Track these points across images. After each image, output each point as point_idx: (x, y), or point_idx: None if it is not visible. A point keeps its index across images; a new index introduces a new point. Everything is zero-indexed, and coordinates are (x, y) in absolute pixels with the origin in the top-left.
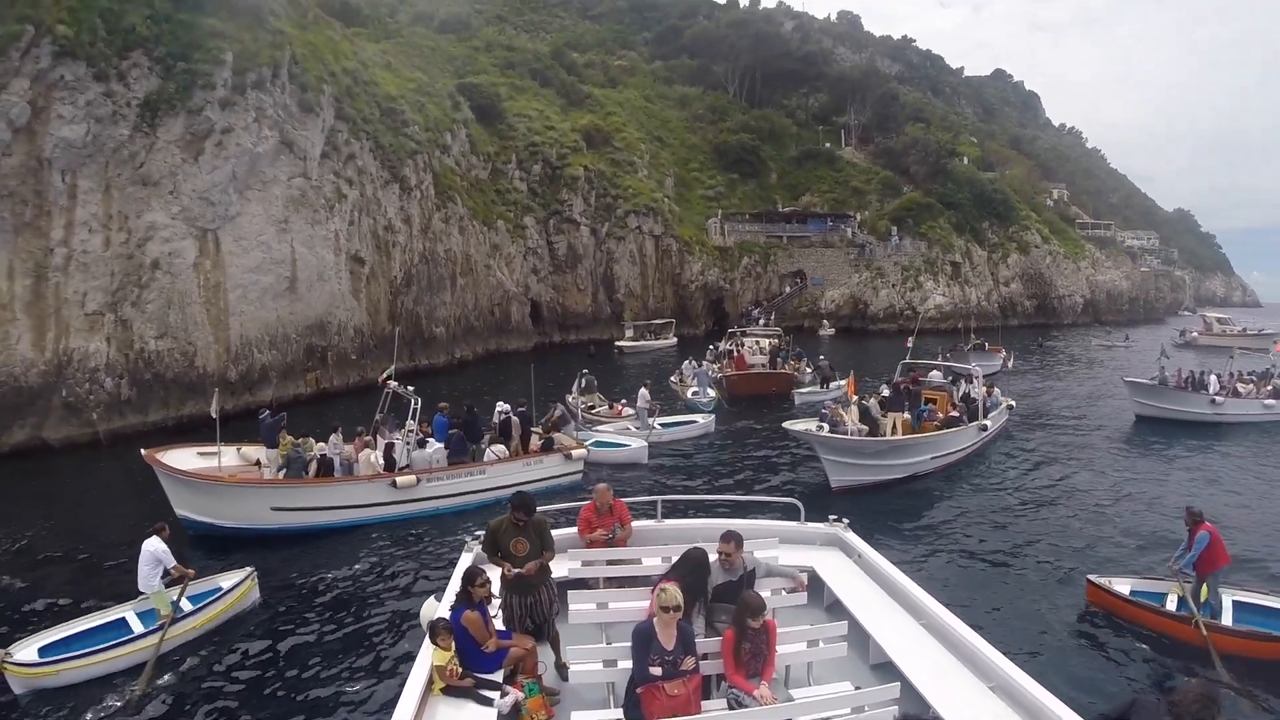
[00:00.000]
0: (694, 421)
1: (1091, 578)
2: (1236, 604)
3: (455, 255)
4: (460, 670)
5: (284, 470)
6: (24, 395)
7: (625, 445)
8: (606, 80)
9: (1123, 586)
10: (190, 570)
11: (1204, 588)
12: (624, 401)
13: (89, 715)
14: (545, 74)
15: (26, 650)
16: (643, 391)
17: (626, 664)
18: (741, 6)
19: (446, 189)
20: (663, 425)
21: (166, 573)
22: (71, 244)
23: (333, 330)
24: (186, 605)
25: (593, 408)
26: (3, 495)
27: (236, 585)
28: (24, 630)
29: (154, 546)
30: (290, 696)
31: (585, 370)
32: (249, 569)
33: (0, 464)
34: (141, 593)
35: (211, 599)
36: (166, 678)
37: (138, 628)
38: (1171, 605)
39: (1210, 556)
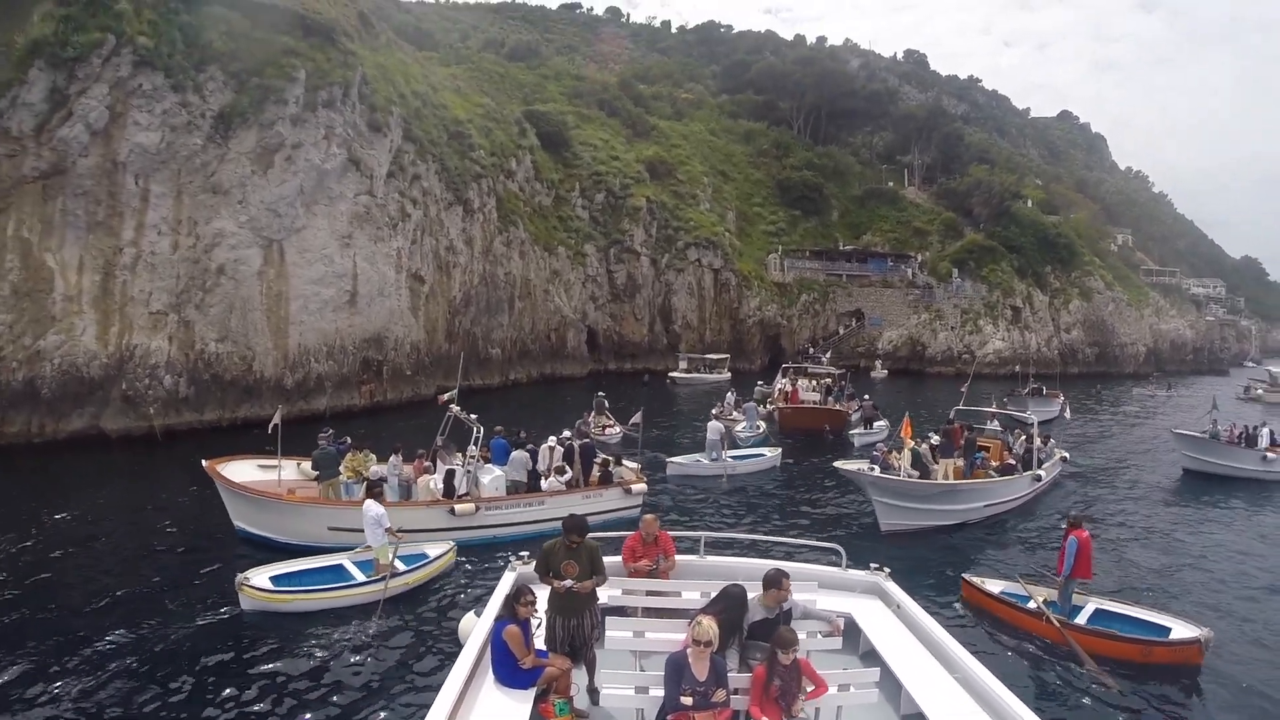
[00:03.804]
0: (762, 455)
1: (965, 576)
2: (1098, 610)
3: (515, 279)
4: None
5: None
6: (85, 385)
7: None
8: (672, 112)
9: (994, 587)
10: (400, 535)
11: (1058, 591)
12: (614, 422)
13: (309, 640)
14: (612, 104)
15: (260, 577)
16: (714, 424)
17: (658, 692)
18: (808, 44)
19: (509, 213)
20: (734, 458)
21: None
22: (141, 245)
23: (390, 345)
24: (399, 564)
25: (605, 428)
26: (62, 478)
27: (441, 554)
28: (68, 598)
29: (374, 510)
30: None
31: (601, 393)
32: (451, 543)
33: (59, 449)
34: (367, 545)
35: (421, 563)
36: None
37: (356, 575)
38: (1033, 605)
39: (1078, 563)
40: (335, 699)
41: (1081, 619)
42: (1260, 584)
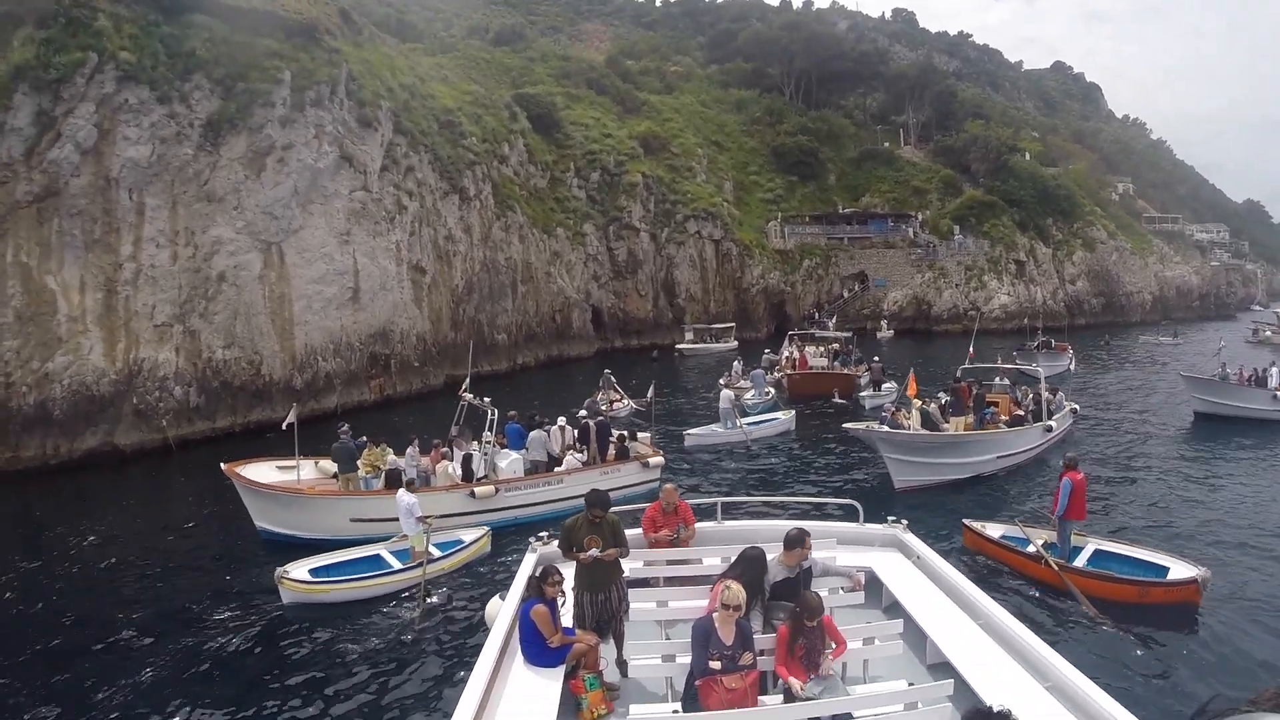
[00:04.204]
0: (777, 419)
1: (966, 521)
2: (1097, 551)
3: (516, 263)
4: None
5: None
6: (96, 403)
7: None
8: (662, 86)
9: (994, 531)
10: (430, 520)
11: (1056, 534)
12: (621, 396)
13: (349, 628)
14: (601, 82)
15: (299, 570)
16: (726, 393)
17: (685, 659)
18: (795, 8)
19: (506, 198)
20: (750, 424)
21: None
22: (140, 259)
23: (395, 338)
24: (434, 551)
25: (613, 403)
26: (81, 498)
27: (476, 540)
28: (113, 621)
29: (406, 499)
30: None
31: (608, 370)
32: (486, 528)
33: (75, 469)
34: (404, 534)
35: (456, 548)
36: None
37: (393, 564)
38: (1032, 549)
39: (1072, 504)
40: (376, 683)
41: (1081, 560)
42: (1267, 525)
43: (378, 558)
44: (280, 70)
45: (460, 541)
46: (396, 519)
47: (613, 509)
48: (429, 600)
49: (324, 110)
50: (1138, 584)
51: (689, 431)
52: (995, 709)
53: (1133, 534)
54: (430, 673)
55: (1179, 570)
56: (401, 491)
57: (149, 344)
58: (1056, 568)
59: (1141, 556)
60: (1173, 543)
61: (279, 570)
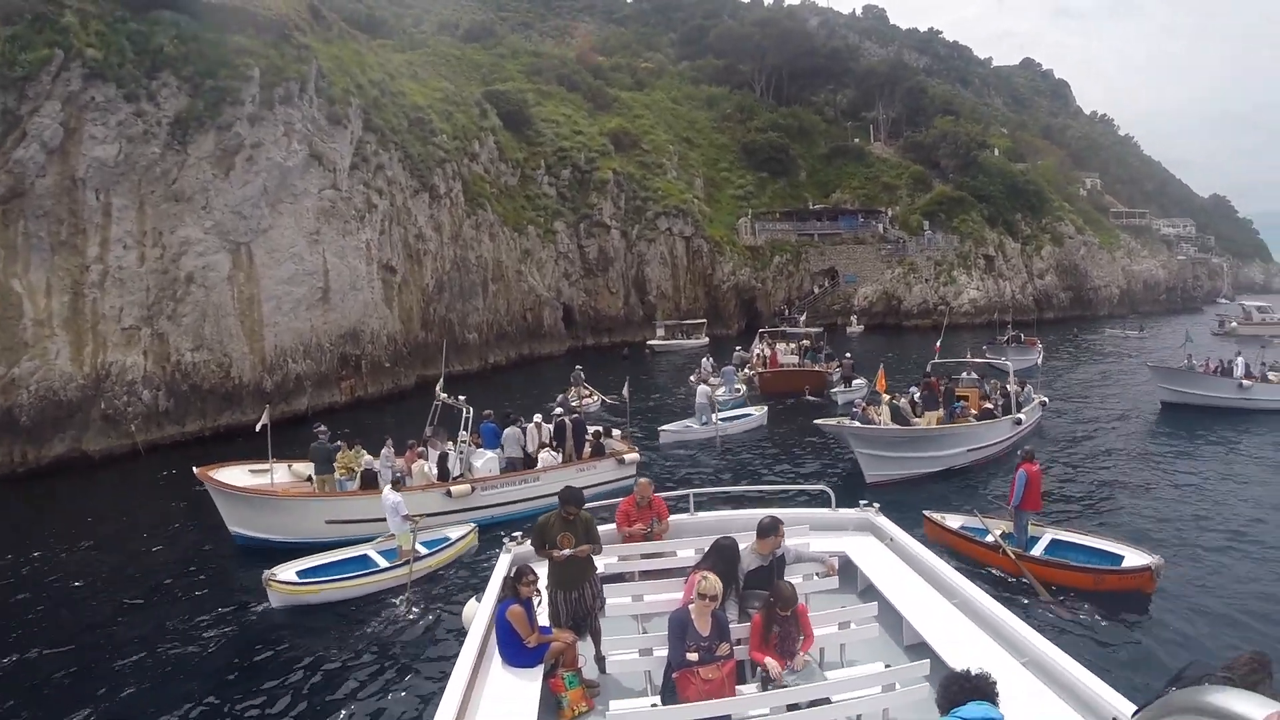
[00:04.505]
0: (750, 415)
1: (926, 512)
2: (1054, 541)
3: (486, 262)
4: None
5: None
6: (63, 409)
7: None
8: (633, 83)
9: (953, 522)
10: (418, 518)
11: (1013, 524)
12: (591, 393)
13: (338, 629)
14: (571, 79)
15: (286, 572)
16: (702, 388)
17: (662, 653)
18: (766, 5)
19: (476, 196)
20: (723, 420)
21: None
22: (107, 260)
23: (366, 339)
24: (421, 549)
25: (583, 399)
26: (50, 507)
27: (463, 536)
28: (88, 632)
29: (392, 498)
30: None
31: (579, 366)
32: (472, 524)
33: (43, 476)
34: (391, 534)
35: (443, 545)
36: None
37: (381, 563)
38: (990, 539)
39: (1027, 495)
40: (361, 684)
41: (1038, 550)
42: (1229, 513)
43: (365, 557)
44: (249, 67)
45: (446, 539)
46: (373, 520)
47: (591, 506)
48: (413, 604)
49: (293, 108)
50: (1092, 572)
51: (664, 428)
52: (973, 671)
53: (1096, 521)
54: (417, 672)
55: (1133, 558)
56: (387, 490)
57: (117, 347)
58: (1014, 556)
59: (1097, 545)
60: (1135, 530)
61: (266, 573)
